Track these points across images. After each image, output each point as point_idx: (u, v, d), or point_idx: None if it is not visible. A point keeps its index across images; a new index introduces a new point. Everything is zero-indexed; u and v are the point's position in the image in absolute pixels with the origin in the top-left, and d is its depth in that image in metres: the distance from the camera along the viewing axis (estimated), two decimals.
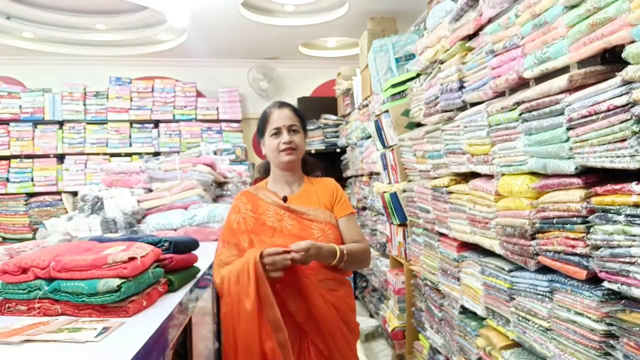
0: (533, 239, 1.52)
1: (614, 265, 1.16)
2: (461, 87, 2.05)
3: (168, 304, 1.39)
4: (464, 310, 2.19)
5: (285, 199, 1.80)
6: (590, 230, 1.25)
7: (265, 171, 1.93)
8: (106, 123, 5.69)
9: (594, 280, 1.28)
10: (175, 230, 2.70)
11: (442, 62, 2.28)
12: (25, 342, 1.06)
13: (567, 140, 1.32)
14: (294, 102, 5.55)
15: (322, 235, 1.74)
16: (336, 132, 5.70)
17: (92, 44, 5.47)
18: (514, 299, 1.68)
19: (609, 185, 1.18)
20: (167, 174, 3.06)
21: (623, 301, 1.20)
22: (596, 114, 1.19)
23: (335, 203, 1.85)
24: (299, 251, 1.55)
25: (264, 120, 1.84)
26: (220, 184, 3.37)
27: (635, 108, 1.07)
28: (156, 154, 5.59)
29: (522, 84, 1.63)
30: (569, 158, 1.32)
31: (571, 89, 1.31)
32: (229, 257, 1.71)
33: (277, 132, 1.78)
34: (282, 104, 1.86)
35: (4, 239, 5.33)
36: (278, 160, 1.80)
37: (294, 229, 1.74)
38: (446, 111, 2.23)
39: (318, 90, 6.52)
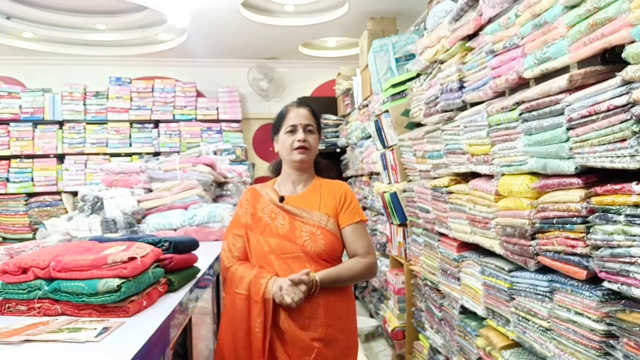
0: (533, 239, 1.52)
1: (614, 265, 1.16)
2: (461, 87, 2.05)
3: (168, 304, 1.39)
4: (464, 310, 2.18)
5: (282, 199, 1.80)
6: (590, 230, 1.25)
7: (276, 170, 1.93)
8: (106, 123, 5.69)
9: (594, 280, 1.28)
10: (175, 230, 2.70)
11: (442, 62, 2.28)
12: (25, 342, 1.06)
13: (567, 140, 1.32)
14: None
15: (310, 239, 1.71)
16: (336, 132, 5.69)
17: (92, 44, 5.46)
18: (514, 299, 1.68)
19: (609, 185, 1.18)
20: (167, 174, 3.06)
21: (623, 301, 1.20)
22: (596, 114, 1.19)
23: (341, 209, 1.78)
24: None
25: (280, 117, 1.85)
26: (220, 184, 3.37)
27: (635, 108, 1.06)
28: (156, 154, 5.59)
29: (522, 84, 1.63)
30: (569, 158, 1.32)
31: (571, 89, 1.31)
32: (237, 249, 1.78)
33: (293, 130, 1.79)
34: (300, 103, 1.87)
35: (4, 239, 5.33)
36: (290, 158, 1.80)
37: (282, 229, 1.74)
38: (446, 111, 2.23)
39: (318, 90, 6.52)
